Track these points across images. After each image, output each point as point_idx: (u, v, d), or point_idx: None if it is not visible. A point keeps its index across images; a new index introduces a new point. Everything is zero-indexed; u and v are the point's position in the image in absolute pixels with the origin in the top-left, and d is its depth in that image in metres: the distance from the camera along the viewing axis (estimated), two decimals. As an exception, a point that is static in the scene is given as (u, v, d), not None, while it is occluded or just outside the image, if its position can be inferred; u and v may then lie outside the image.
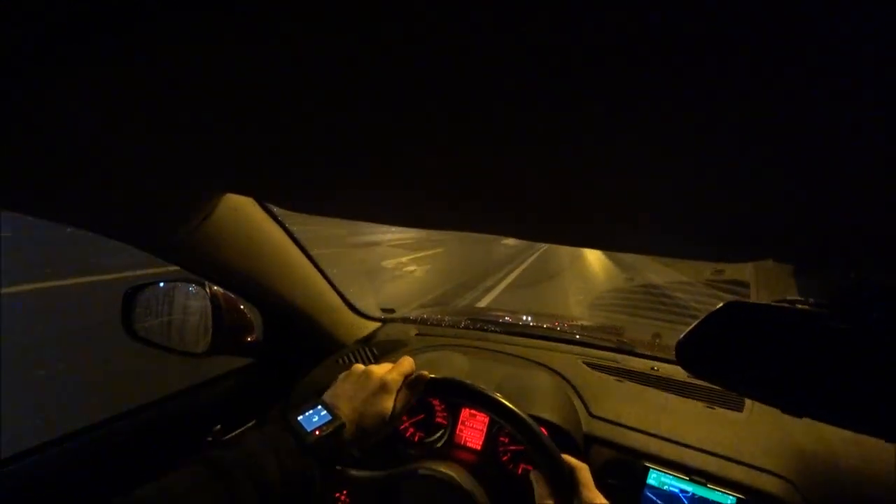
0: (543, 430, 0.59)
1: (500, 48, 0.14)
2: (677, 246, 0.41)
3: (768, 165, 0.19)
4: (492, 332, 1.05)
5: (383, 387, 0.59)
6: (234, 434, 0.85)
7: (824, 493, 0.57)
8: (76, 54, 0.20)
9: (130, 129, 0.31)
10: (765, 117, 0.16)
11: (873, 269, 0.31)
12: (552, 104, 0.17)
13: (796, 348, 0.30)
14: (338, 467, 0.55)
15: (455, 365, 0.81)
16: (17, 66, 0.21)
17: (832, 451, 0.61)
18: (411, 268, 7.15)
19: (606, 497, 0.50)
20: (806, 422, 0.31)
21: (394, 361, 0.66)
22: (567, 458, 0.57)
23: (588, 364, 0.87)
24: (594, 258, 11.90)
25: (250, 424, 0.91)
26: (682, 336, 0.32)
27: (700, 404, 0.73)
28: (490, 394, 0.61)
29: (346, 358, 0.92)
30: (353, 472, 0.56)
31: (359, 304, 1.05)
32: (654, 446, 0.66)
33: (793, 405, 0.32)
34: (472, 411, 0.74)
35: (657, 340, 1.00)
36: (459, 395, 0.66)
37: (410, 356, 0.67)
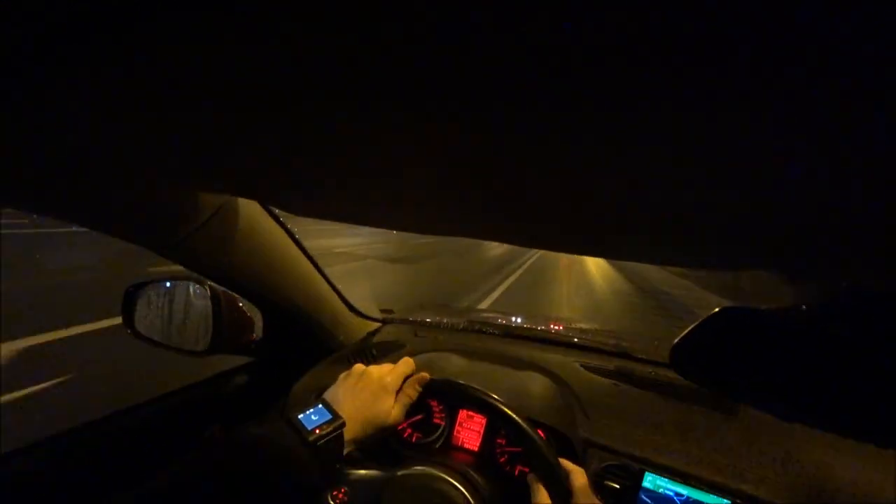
0: (541, 432, 0.59)
1: (500, 48, 0.14)
2: (675, 253, 0.41)
3: (768, 165, 0.19)
4: (491, 334, 1.05)
5: (383, 387, 0.60)
6: (233, 432, 0.86)
7: (819, 499, 0.57)
8: (76, 54, 0.20)
9: (130, 130, 0.31)
10: (764, 117, 0.16)
11: (869, 277, 0.31)
12: (552, 104, 0.17)
13: (791, 354, 0.30)
14: (337, 466, 0.56)
15: (454, 366, 0.81)
16: (17, 66, 0.21)
17: (826, 457, 0.61)
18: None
19: (602, 500, 0.50)
20: (800, 427, 0.31)
21: (393, 362, 0.66)
22: (563, 461, 0.57)
23: (586, 367, 0.87)
24: (594, 268, 11.47)
25: (250, 423, 0.91)
26: (676, 340, 0.32)
27: (696, 409, 0.73)
28: (487, 396, 0.61)
29: (346, 358, 0.93)
30: (352, 472, 0.57)
31: (358, 305, 1.06)
32: (650, 450, 0.66)
33: (787, 411, 0.32)
34: (470, 413, 0.75)
35: (656, 345, 1.00)
36: (457, 396, 0.66)
37: (410, 357, 0.68)
